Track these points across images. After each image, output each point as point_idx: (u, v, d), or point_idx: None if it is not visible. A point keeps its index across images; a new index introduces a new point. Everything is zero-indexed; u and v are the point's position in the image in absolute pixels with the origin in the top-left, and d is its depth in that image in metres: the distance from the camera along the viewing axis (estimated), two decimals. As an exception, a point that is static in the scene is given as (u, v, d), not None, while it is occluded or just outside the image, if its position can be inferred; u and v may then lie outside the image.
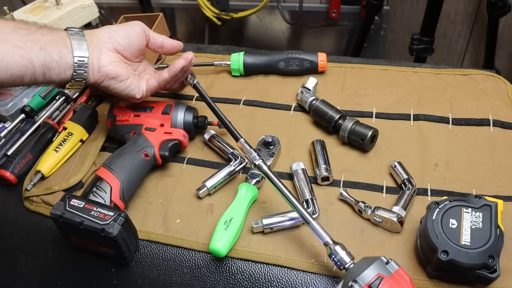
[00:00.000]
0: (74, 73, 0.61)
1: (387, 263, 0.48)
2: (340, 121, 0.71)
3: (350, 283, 0.47)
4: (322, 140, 0.70)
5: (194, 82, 0.72)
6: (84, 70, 0.61)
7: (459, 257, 0.48)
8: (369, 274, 0.47)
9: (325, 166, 0.66)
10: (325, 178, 0.65)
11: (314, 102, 0.76)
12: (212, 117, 0.76)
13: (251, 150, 0.61)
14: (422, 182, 0.64)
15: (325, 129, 0.75)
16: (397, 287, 0.45)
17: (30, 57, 0.55)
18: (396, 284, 0.46)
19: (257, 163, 0.60)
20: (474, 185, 0.63)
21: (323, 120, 0.73)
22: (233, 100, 0.83)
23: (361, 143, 0.68)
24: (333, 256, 0.52)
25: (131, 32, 0.66)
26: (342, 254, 0.51)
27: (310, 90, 0.79)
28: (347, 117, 0.72)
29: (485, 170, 0.65)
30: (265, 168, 0.59)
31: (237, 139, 0.64)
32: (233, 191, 0.66)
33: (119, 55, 0.65)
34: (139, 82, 0.68)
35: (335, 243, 0.52)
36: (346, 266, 0.51)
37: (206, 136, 0.74)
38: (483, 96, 0.76)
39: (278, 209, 0.63)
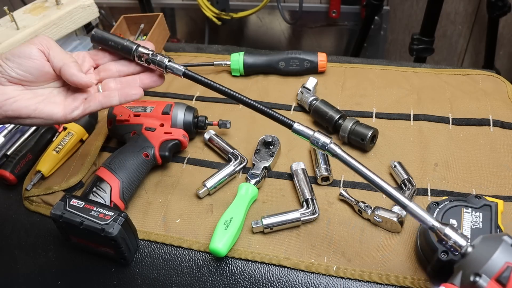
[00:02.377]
0: None
1: None
2: (340, 121, 0.71)
3: (472, 278, 0.38)
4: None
5: (184, 70, 0.57)
6: None
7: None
8: (495, 263, 0.38)
9: (325, 166, 0.66)
10: (325, 178, 0.65)
11: (314, 102, 0.76)
12: (211, 117, 0.76)
13: (316, 132, 0.52)
14: (422, 182, 0.64)
15: (325, 129, 0.74)
16: None
17: None
18: None
19: (327, 147, 0.51)
20: (474, 185, 0.63)
21: (323, 120, 0.73)
22: (233, 100, 0.83)
23: (361, 143, 0.68)
24: (444, 242, 0.44)
25: (25, 58, 0.52)
26: (455, 236, 0.43)
27: (310, 90, 0.79)
28: (347, 117, 0.71)
29: (485, 170, 0.65)
30: (339, 151, 0.51)
31: (290, 126, 0.53)
32: (233, 191, 0.66)
33: (19, 86, 0.53)
34: (62, 102, 0.55)
35: (444, 224, 0.44)
36: (462, 251, 0.42)
37: (206, 136, 0.74)
38: (483, 96, 0.76)
39: (278, 209, 0.63)
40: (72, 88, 0.57)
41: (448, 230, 0.44)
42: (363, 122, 0.70)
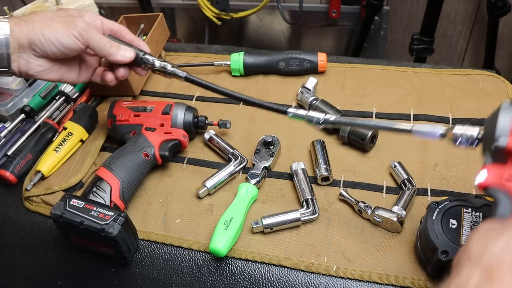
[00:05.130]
0: None
1: None
2: None
3: (493, 146, 0.42)
4: (322, 140, 0.70)
5: (185, 75, 0.63)
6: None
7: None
8: (504, 124, 0.42)
9: (325, 166, 0.66)
10: (325, 178, 0.65)
11: (314, 102, 0.75)
12: (211, 117, 0.76)
13: (309, 112, 0.58)
14: (422, 182, 0.64)
15: (325, 129, 0.74)
16: None
17: None
18: None
19: (321, 121, 0.57)
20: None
21: None
22: (233, 100, 0.83)
23: (361, 143, 0.68)
24: (460, 140, 0.47)
25: (65, 46, 0.58)
26: (466, 130, 0.47)
27: (310, 90, 0.79)
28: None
29: (485, 170, 0.65)
30: (333, 118, 0.56)
31: (285, 112, 0.59)
32: (233, 191, 0.66)
33: (48, 59, 0.60)
34: (78, 71, 0.64)
35: (450, 127, 0.48)
36: (479, 135, 0.46)
37: (206, 136, 0.74)
38: (483, 96, 0.76)
39: (278, 209, 0.63)
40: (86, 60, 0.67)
41: (457, 129, 0.47)
42: (363, 122, 0.70)
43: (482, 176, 0.44)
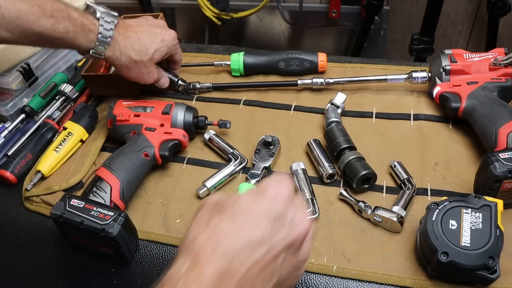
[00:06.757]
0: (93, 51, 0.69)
1: None
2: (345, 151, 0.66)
3: (442, 69, 0.72)
4: (317, 139, 0.70)
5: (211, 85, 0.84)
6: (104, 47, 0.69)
7: (459, 258, 0.48)
8: (445, 60, 0.72)
9: (328, 163, 0.65)
10: (331, 176, 0.65)
11: (331, 124, 0.70)
12: (211, 117, 0.76)
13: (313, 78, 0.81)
14: (422, 182, 0.64)
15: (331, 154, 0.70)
16: None
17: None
18: None
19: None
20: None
21: (330, 145, 0.69)
22: (233, 100, 0.83)
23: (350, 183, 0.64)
24: (417, 79, 0.78)
25: (143, 71, 0.74)
26: (420, 74, 0.77)
27: (339, 106, 0.74)
28: (352, 151, 0.66)
29: (485, 170, 0.65)
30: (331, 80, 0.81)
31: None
32: (233, 191, 0.66)
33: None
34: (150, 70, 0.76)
35: (410, 74, 0.78)
36: (428, 75, 0.76)
37: (206, 136, 0.74)
38: (483, 96, 0.76)
39: (278, 209, 0.63)
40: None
41: (414, 73, 0.77)
42: (367, 163, 0.64)
43: (437, 89, 0.72)
